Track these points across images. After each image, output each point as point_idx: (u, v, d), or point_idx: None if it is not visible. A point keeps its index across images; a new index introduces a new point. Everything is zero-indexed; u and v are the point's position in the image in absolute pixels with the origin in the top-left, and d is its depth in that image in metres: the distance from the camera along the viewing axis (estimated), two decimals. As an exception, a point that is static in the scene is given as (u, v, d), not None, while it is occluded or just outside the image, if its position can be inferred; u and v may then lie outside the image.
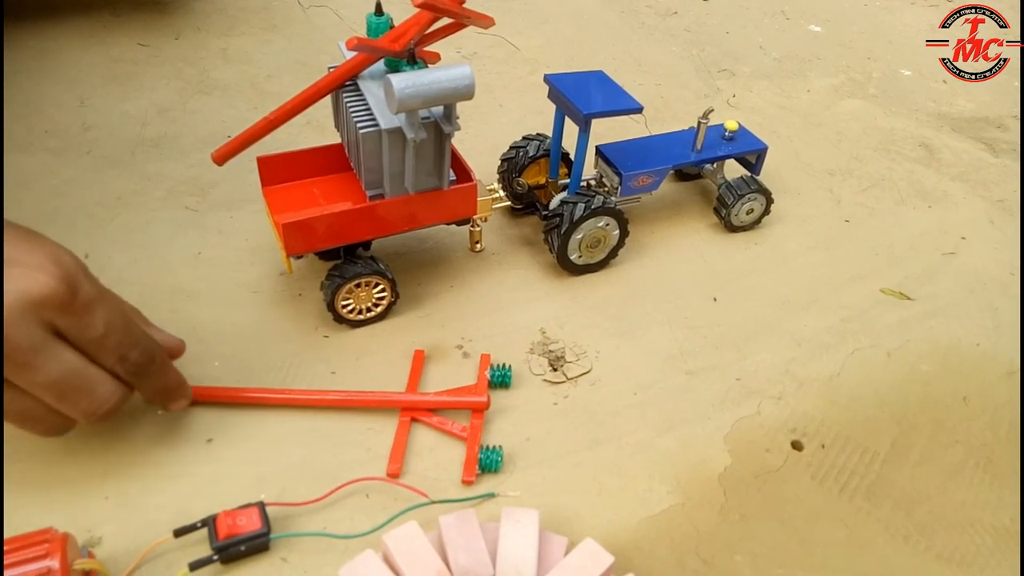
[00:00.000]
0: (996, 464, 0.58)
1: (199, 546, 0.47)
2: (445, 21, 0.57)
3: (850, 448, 0.58)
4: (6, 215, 0.71)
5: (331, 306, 0.62)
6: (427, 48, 0.60)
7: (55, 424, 0.46)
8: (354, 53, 0.61)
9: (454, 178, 0.63)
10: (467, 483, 0.53)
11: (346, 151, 0.65)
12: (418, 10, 0.54)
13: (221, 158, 0.61)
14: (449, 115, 0.56)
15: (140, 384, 0.49)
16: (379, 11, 0.60)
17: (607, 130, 0.86)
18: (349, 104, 0.59)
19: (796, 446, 0.58)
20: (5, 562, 0.40)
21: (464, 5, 0.55)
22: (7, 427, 0.53)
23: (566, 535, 0.48)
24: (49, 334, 0.43)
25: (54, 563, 0.40)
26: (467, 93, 0.53)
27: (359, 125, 0.57)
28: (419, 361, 0.61)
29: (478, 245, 0.71)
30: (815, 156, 0.93)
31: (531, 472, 0.54)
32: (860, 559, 0.51)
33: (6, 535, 0.43)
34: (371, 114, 0.57)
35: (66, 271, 0.42)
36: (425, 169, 0.59)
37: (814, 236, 0.80)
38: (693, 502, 0.53)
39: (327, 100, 0.63)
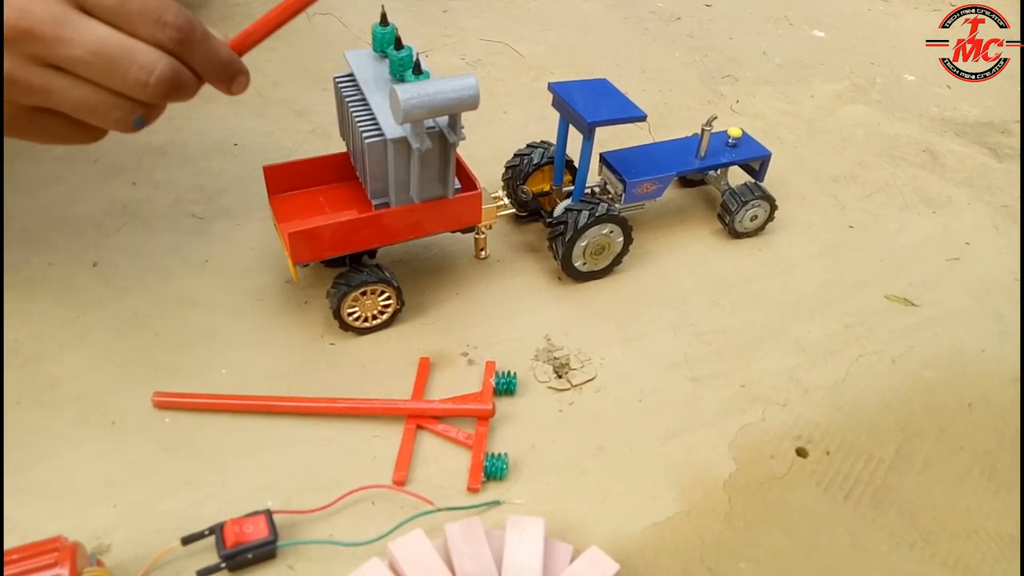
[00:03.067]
0: (1001, 471, 0.58)
1: (206, 554, 0.48)
2: None
3: (855, 455, 0.58)
4: (13, 222, 0.72)
5: (337, 314, 0.62)
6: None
7: (121, 110, 0.43)
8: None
9: (459, 186, 0.63)
10: (472, 490, 0.53)
11: (352, 160, 0.65)
12: None
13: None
14: (454, 125, 0.57)
15: (188, 57, 0.45)
16: (384, 21, 0.60)
17: (611, 137, 0.87)
18: (355, 114, 0.59)
19: (801, 453, 0.58)
20: (15, 571, 0.40)
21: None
22: (10, 435, 0.54)
23: (571, 542, 0.49)
24: (70, 7, 0.41)
25: (64, 571, 0.40)
26: (472, 103, 0.54)
27: (364, 135, 0.57)
28: (424, 369, 0.61)
29: (483, 252, 0.72)
30: (819, 162, 0.93)
31: (536, 479, 0.54)
32: (865, 566, 0.51)
33: (16, 543, 0.43)
34: (376, 124, 0.58)
35: None
36: (430, 177, 0.59)
37: (818, 242, 0.80)
38: (698, 509, 0.53)
39: (332, 110, 0.63)
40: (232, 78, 0.48)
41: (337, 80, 0.63)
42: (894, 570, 0.51)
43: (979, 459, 0.59)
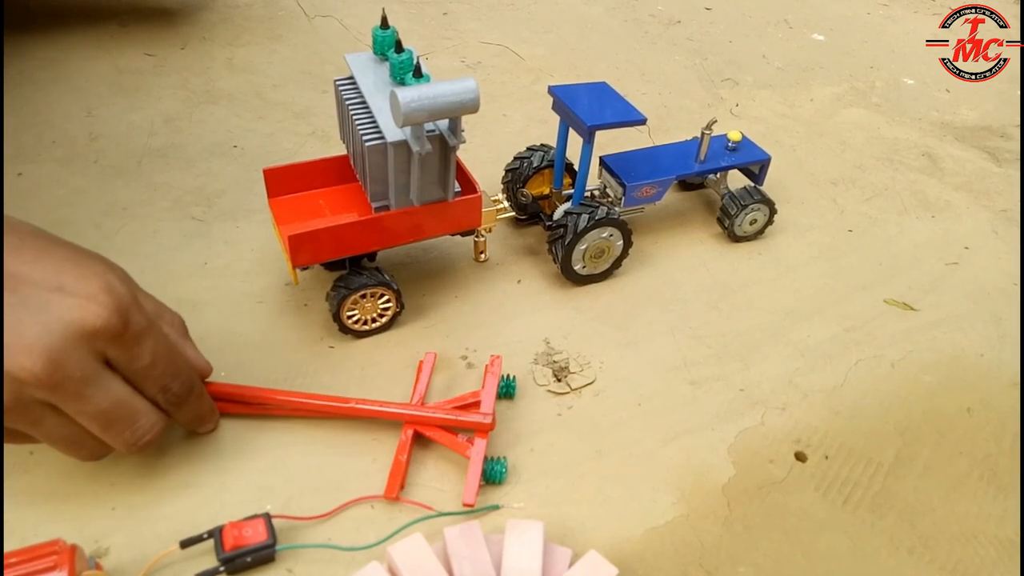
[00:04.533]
0: (1000, 475, 0.58)
1: (205, 557, 0.48)
2: None
3: (854, 459, 0.58)
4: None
5: (336, 317, 0.62)
6: None
7: (96, 450, 0.47)
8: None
9: (459, 190, 0.63)
10: (467, 506, 0.52)
11: (352, 163, 0.65)
12: None
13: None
14: (454, 128, 0.57)
15: (176, 412, 0.50)
16: (384, 24, 0.60)
17: (610, 140, 0.87)
18: (355, 117, 0.59)
19: (800, 457, 0.58)
20: (14, 574, 0.40)
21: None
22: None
23: (570, 546, 0.49)
24: (100, 364, 0.43)
25: (62, 575, 0.40)
26: (472, 107, 0.54)
27: (365, 138, 0.57)
28: (427, 369, 0.60)
29: (482, 255, 0.72)
30: (818, 166, 0.93)
31: (535, 483, 0.54)
32: (864, 571, 0.51)
33: (14, 546, 0.43)
34: (377, 127, 0.58)
35: (119, 302, 0.43)
36: (430, 181, 0.59)
37: (817, 246, 0.80)
38: (697, 513, 0.53)
39: (332, 112, 0.63)
40: (202, 425, 0.54)
41: (337, 83, 0.63)
42: (893, 574, 0.51)
43: (978, 463, 0.59)
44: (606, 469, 0.56)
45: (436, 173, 0.59)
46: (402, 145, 0.56)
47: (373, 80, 0.61)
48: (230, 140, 0.87)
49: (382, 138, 0.57)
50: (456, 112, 0.54)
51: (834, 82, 1.13)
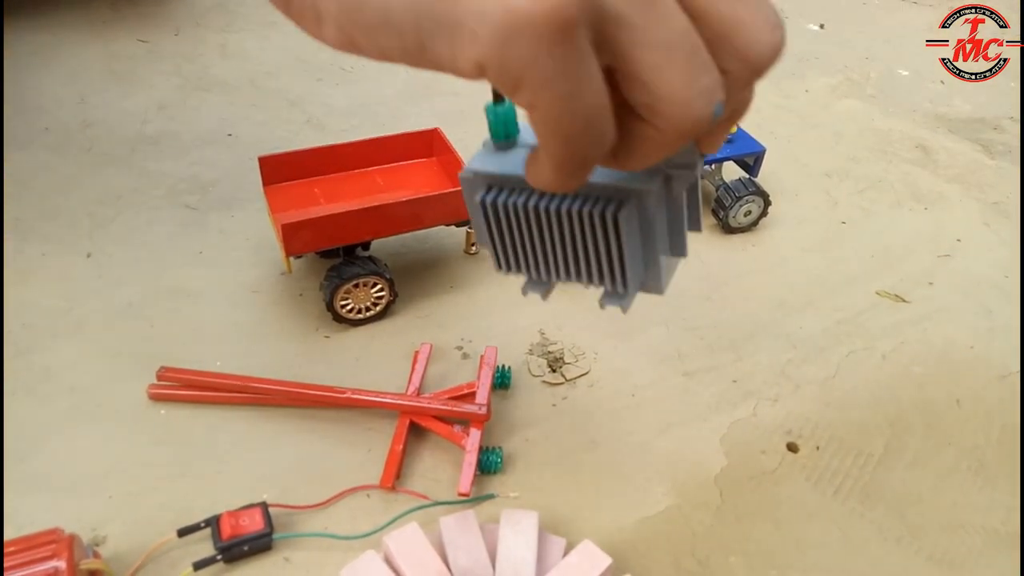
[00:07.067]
0: (987, 467, 0.59)
1: (202, 545, 0.48)
2: None
3: (844, 450, 0.59)
4: (5, 212, 0.71)
5: (330, 306, 0.62)
6: None
7: (712, 82, 0.25)
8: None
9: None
10: (463, 495, 0.52)
11: (554, 272, 0.31)
12: None
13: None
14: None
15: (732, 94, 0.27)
16: (498, 98, 0.29)
17: (606, 130, 0.87)
18: (553, 208, 0.28)
19: (791, 448, 0.59)
20: (13, 563, 0.40)
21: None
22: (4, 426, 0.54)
23: (564, 536, 0.49)
24: None
25: (61, 563, 0.41)
26: None
27: (598, 213, 0.28)
28: (421, 360, 0.61)
29: (473, 247, 0.72)
30: (812, 157, 0.94)
31: (530, 473, 0.55)
32: (853, 560, 0.52)
33: (11, 535, 0.43)
34: (594, 197, 0.29)
35: None
36: (678, 229, 0.33)
37: (811, 238, 0.80)
38: (689, 503, 0.54)
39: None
40: (722, 134, 0.30)
41: (484, 199, 0.30)
42: (881, 563, 0.52)
43: (966, 454, 0.60)
44: (600, 459, 0.57)
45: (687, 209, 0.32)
46: (653, 192, 0.29)
47: (513, 164, 0.29)
48: (224, 128, 0.86)
49: (626, 197, 0.28)
50: None
51: (829, 73, 1.13)
